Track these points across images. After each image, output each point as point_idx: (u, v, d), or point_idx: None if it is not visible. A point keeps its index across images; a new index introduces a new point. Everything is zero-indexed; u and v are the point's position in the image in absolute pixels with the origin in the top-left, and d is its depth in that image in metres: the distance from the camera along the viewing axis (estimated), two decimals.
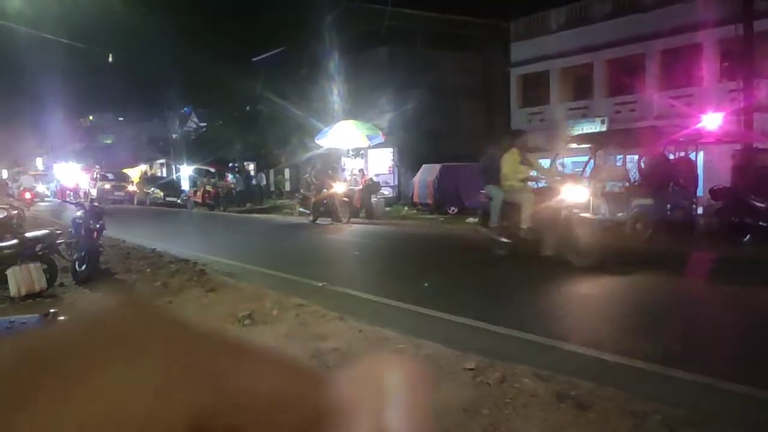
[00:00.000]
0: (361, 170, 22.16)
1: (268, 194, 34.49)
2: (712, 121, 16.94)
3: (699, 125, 16.33)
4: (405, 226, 18.69)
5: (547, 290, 8.31)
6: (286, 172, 38.98)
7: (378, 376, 0.27)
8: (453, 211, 21.46)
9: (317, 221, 19.38)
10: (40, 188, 39.67)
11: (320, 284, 8.66)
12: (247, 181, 33.13)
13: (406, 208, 23.86)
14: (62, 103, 48.59)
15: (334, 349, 5.43)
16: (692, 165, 14.12)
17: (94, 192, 33.45)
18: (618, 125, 21.98)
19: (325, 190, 19.33)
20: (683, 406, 4.00)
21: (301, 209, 21.02)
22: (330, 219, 19.07)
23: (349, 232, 16.99)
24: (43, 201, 36.16)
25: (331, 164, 22.40)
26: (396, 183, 29.92)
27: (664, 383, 4.67)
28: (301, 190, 21.54)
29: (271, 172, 38.15)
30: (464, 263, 11.18)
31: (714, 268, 10.76)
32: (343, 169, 23.62)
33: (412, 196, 23.78)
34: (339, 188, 19.25)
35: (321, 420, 0.25)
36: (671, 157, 14.26)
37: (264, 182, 35.04)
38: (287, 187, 38.48)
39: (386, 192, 26.38)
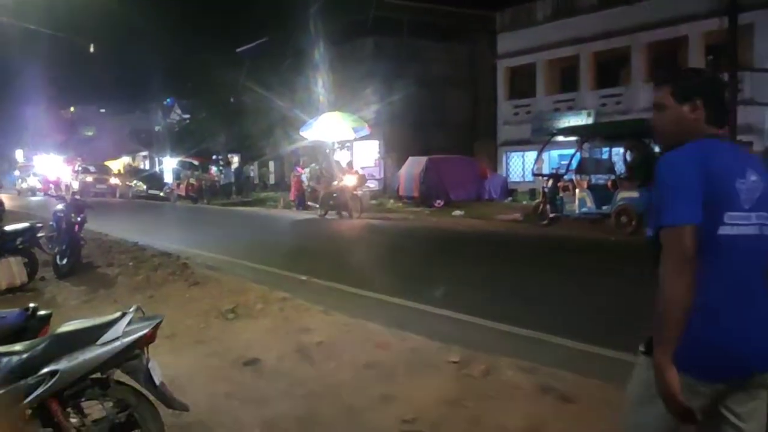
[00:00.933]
0: (349, 163, 21.97)
1: (252, 186, 34.32)
2: None
3: None
4: (423, 221, 17.97)
5: None
6: (271, 164, 38.80)
7: None
8: (439, 203, 21.46)
9: (326, 215, 18.77)
10: (32, 181, 39.05)
11: (304, 278, 8.62)
12: (237, 173, 32.93)
13: (391, 201, 23.82)
14: (43, 95, 47.98)
15: (318, 343, 5.40)
16: None
17: (75, 185, 33.13)
18: (604, 118, 22.05)
19: (335, 183, 18.68)
20: None
21: (309, 203, 20.46)
22: (339, 213, 18.44)
23: (359, 227, 16.51)
24: (34, 195, 35.74)
25: (319, 157, 21.68)
26: (382, 176, 29.87)
27: None
28: (310, 183, 21.00)
29: (255, 164, 37.96)
30: None
31: None
32: (314, 164, 23.42)
33: (398, 188, 23.74)
34: (349, 181, 18.50)
35: None
36: (656, 150, 14.31)
37: (252, 174, 34.78)
38: (272, 179, 38.31)
39: (372, 185, 26.27)
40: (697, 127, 2.03)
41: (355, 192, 18.33)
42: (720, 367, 1.89)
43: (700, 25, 19.80)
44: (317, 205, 19.57)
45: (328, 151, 20.64)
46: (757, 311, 1.92)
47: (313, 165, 22.60)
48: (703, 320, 1.88)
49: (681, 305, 1.84)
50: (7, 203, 16.99)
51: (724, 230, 1.91)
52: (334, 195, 18.59)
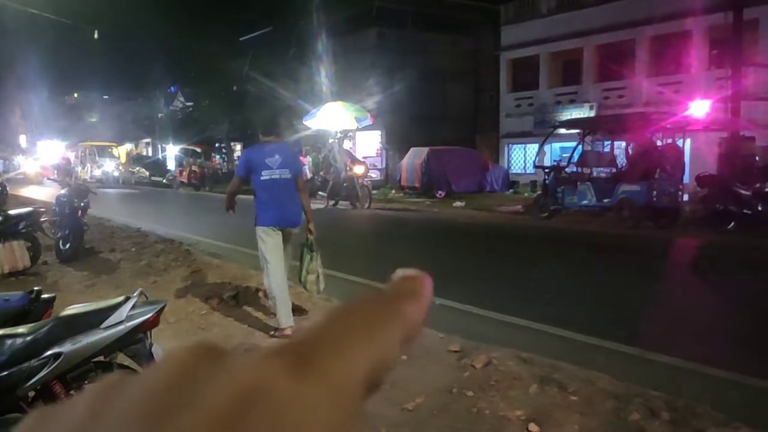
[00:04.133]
0: (348, 152, 21.87)
1: None
2: (699, 108, 17.00)
3: (687, 112, 16.38)
4: (429, 212, 17.98)
5: None
6: None
7: None
8: (440, 194, 21.46)
9: (337, 205, 18.43)
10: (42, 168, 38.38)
11: None
12: None
13: (393, 191, 23.82)
14: (46, 81, 47.89)
15: None
16: (679, 152, 14.17)
17: (78, 170, 33.08)
18: (606, 111, 22.01)
19: (344, 173, 18.34)
20: (663, 389, 4.04)
21: (320, 193, 19.86)
22: (353, 204, 18.11)
23: (368, 217, 16.43)
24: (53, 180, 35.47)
25: (324, 144, 20.93)
26: (384, 166, 29.85)
27: (645, 367, 4.71)
28: (321, 173, 20.55)
29: None
30: None
31: (696, 254, 10.87)
32: (330, 151, 23.29)
33: (400, 179, 23.73)
34: (358, 170, 18.20)
35: None
36: (659, 143, 14.30)
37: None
38: None
39: (373, 175, 26.23)
40: (258, 137, 5.82)
41: (363, 182, 18.12)
42: (275, 222, 5.46)
43: (705, 19, 19.72)
44: (323, 194, 19.31)
45: (336, 140, 20.33)
46: (282, 204, 5.46)
47: (315, 153, 22.47)
48: (266, 208, 5.45)
49: (229, 196, 5.83)
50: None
51: (262, 177, 5.41)
52: (345, 185, 18.32)
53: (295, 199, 5.56)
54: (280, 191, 5.46)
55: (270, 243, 5.48)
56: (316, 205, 19.37)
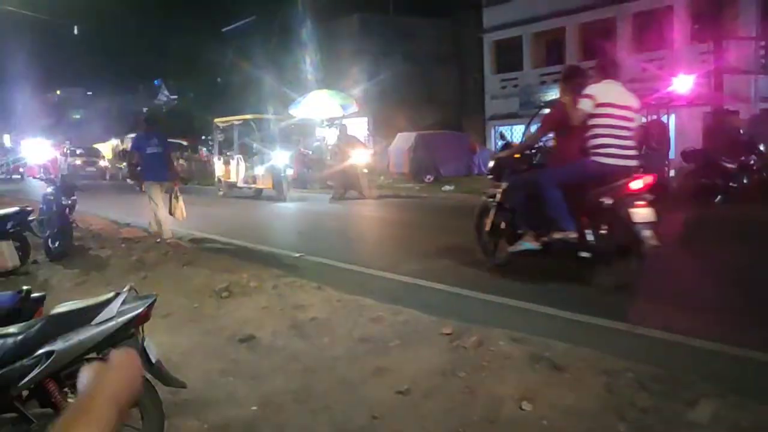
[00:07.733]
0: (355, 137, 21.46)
1: None
2: (683, 83, 17.04)
3: (670, 88, 16.42)
4: (431, 197, 17.87)
5: None
6: None
7: None
8: (429, 179, 21.49)
9: (345, 195, 17.08)
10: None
11: (297, 255, 8.66)
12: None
13: (381, 177, 23.80)
14: (28, 78, 47.39)
15: (312, 319, 5.45)
16: (664, 128, 14.23)
17: (65, 168, 32.75)
18: None
19: (347, 161, 17.03)
20: (653, 362, 4.09)
21: (329, 182, 18.72)
22: (361, 194, 16.92)
23: (373, 206, 15.77)
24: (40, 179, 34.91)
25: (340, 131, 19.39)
26: (371, 152, 29.83)
27: (634, 341, 4.76)
28: (327, 161, 19.42)
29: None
30: None
31: (683, 228, 10.94)
32: (318, 140, 23.10)
33: (388, 165, 23.73)
34: (359, 158, 17.01)
35: None
36: (643, 120, 14.34)
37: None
38: None
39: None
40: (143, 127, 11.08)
41: (364, 170, 17.12)
42: (154, 178, 9.75)
43: None
44: (330, 185, 18.17)
45: (340, 127, 19.36)
46: (157, 167, 9.71)
47: (317, 144, 22.12)
48: (149, 170, 9.78)
49: (131, 168, 12.35)
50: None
51: (147, 152, 9.68)
52: (346, 173, 17.11)
53: (166, 164, 9.77)
54: (156, 160, 9.58)
55: (154, 191, 9.55)
56: (325, 194, 18.54)
